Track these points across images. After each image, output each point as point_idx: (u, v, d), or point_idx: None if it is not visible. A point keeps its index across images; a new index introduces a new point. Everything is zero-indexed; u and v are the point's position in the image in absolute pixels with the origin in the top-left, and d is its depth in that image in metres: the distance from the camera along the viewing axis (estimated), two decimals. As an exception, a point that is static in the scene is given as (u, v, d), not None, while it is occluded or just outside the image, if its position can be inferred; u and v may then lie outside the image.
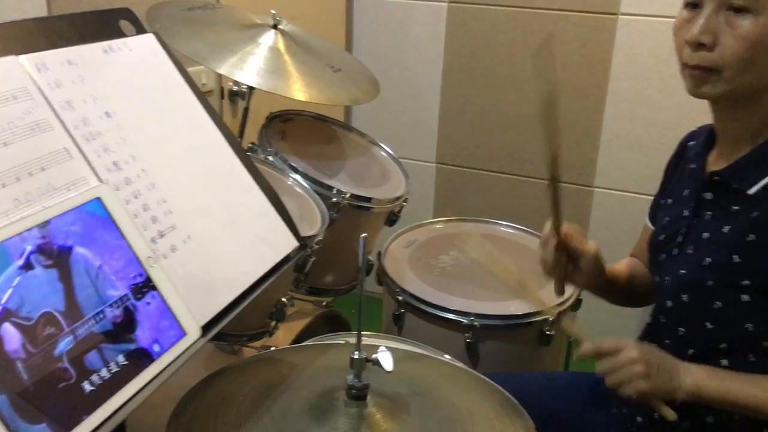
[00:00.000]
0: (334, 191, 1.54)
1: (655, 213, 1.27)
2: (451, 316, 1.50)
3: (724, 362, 1.05)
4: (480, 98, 2.52)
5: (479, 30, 2.45)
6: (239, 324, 1.38)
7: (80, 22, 0.89)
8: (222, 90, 2.00)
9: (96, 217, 0.75)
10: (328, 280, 1.70)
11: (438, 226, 1.90)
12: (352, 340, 1.03)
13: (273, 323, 1.45)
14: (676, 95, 2.22)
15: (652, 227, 1.26)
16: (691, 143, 1.21)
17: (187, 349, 0.78)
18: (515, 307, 1.55)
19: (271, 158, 1.57)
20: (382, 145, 1.86)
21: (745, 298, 1.00)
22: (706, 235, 1.06)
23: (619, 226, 2.45)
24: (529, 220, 1.89)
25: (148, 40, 0.98)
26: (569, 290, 1.60)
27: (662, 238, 1.16)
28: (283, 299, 1.43)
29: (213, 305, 0.84)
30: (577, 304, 1.61)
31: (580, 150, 2.44)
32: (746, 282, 1.00)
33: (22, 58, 0.79)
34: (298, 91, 1.48)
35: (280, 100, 1.55)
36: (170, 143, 0.91)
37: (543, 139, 1.03)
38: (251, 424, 0.81)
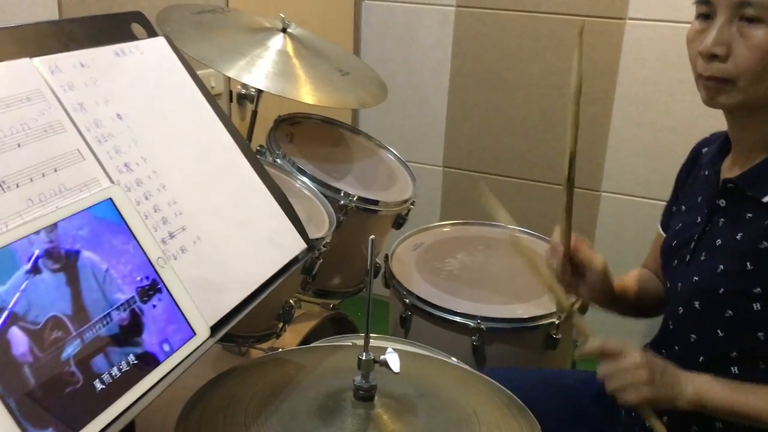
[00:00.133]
0: (342, 194, 1.55)
1: (667, 220, 1.26)
2: (457, 318, 1.50)
3: (735, 370, 1.05)
4: (487, 102, 2.53)
5: (486, 34, 2.46)
6: (247, 325, 1.38)
7: (93, 25, 0.90)
8: (230, 93, 2.01)
9: (103, 220, 0.75)
10: (335, 282, 1.71)
11: (445, 230, 1.91)
12: (359, 342, 1.03)
13: (280, 325, 1.45)
14: (684, 100, 2.22)
15: (663, 234, 1.25)
16: (705, 150, 1.20)
17: (196, 349, 0.79)
18: (522, 310, 1.55)
19: (279, 161, 1.57)
20: (390, 148, 1.87)
21: (757, 306, 1.00)
22: (719, 242, 1.06)
23: (626, 231, 2.44)
24: (536, 224, 1.89)
25: (159, 43, 0.99)
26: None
27: (675, 244, 1.16)
28: (291, 301, 1.44)
29: (222, 306, 0.85)
30: (584, 308, 1.61)
31: (588, 154, 2.43)
32: (758, 290, 1.00)
33: (36, 60, 0.80)
34: (307, 94, 1.49)
35: (289, 104, 1.56)
36: (181, 145, 0.92)
37: (568, 133, 1.03)
38: (259, 424, 0.82)
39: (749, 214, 1.03)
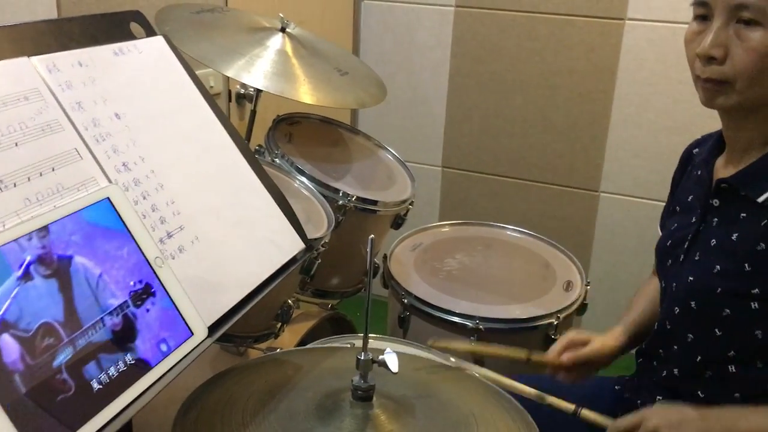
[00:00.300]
0: (341, 194, 1.55)
1: (664, 222, 1.27)
2: (456, 319, 1.50)
3: (732, 369, 1.05)
4: (486, 102, 2.53)
5: (486, 34, 2.46)
6: (245, 325, 1.38)
7: (91, 24, 0.90)
8: (229, 93, 2.01)
9: (96, 225, 0.74)
10: (334, 282, 1.71)
11: (444, 230, 1.91)
12: (357, 342, 1.03)
13: (278, 325, 1.45)
14: (683, 101, 2.22)
15: None
16: (696, 150, 1.21)
17: (194, 349, 0.79)
18: (520, 310, 1.55)
19: (277, 161, 1.57)
20: (389, 148, 1.87)
21: (755, 305, 1.00)
22: (713, 242, 1.06)
23: (624, 231, 2.44)
24: (535, 224, 1.89)
25: (158, 42, 0.99)
26: (573, 294, 1.60)
27: (669, 244, 1.16)
28: (289, 301, 1.43)
29: (220, 306, 0.85)
30: (582, 308, 1.61)
31: (587, 155, 2.44)
32: (756, 290, 1.00)
33: (34, 59, 0.80)
34: (305, 94, 1.49)
35: (287, 103, 1.56)
36: (179, 145, 0.92)
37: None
38: (257, 424, 0.82)
39: (743, 214, 1.03)
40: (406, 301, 1.57)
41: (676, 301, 1.11)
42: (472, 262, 1.75)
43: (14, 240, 0.65)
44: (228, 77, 1.83)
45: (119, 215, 0.77)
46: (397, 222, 1.73)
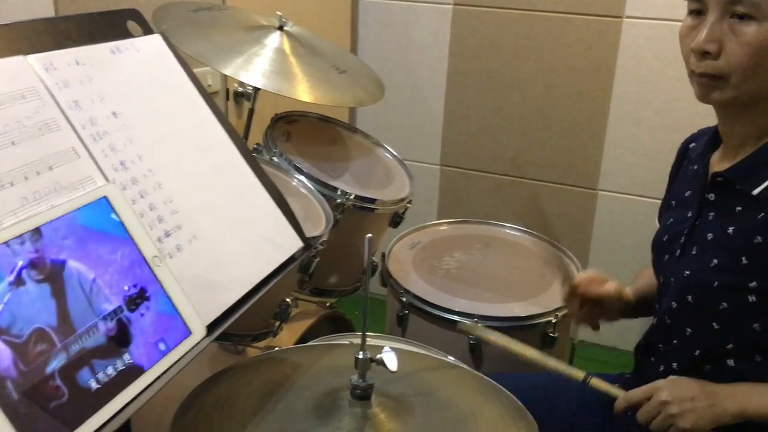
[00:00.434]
0: (339, 192, 1.55)
1: (661, 216, 1.27)
2: (455, 317, 1.50)
3: (731, 362, 1.05)
4: (484, 100, 2.53)
5: (484, 32, 2.46)
6: (244, 324, 1.38)
7: (88, 22, 0.90)
8: (227, 91, 2.00)
9: (90, 229, 0.73)
10: (332, 281, 1.70)
11: (442, 228, 1.90)
12: (356, 340, 1.03)
13: (277, 324, 1.45)
14: (681, 98, 2.22)
15: None
16: (692, 145, 1.22)
17: (192, 348, 0.78)
18: (519, 308, 1.55)
19: (275, 159, 1.57)
20: (387, 146, 1.86)
21: (752, 298, 1.01)
22: (710, 236, 1.07)
23: (623, 229, 2.44)
24: (534, 222, 1.89)
25: (155, 40, 0.98)
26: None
27: (665, 239, 1.17)
28: (288, 300, 1.43)
29: (218, 305, 0.85)
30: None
31: (585, 153, 2.44)
32: (753, 284, 1.00)
33: (31, 58, 0.79)
34: (303, 92, 1.49)
35: (285, 102, 1.56)
36: (176, 143, 0.92)
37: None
38: (255, 423, 0.82)
39: (739, 207, 1.04)
40: (404, 299, 1.57)
41: (673, 295, 1.11)
42: (470, 260, 1.75)
43: (5, 243, 0.65)
44: (226, 75, 1.82)
45: (117, 214, 0.76)
46: (396, 220, 1.73)
